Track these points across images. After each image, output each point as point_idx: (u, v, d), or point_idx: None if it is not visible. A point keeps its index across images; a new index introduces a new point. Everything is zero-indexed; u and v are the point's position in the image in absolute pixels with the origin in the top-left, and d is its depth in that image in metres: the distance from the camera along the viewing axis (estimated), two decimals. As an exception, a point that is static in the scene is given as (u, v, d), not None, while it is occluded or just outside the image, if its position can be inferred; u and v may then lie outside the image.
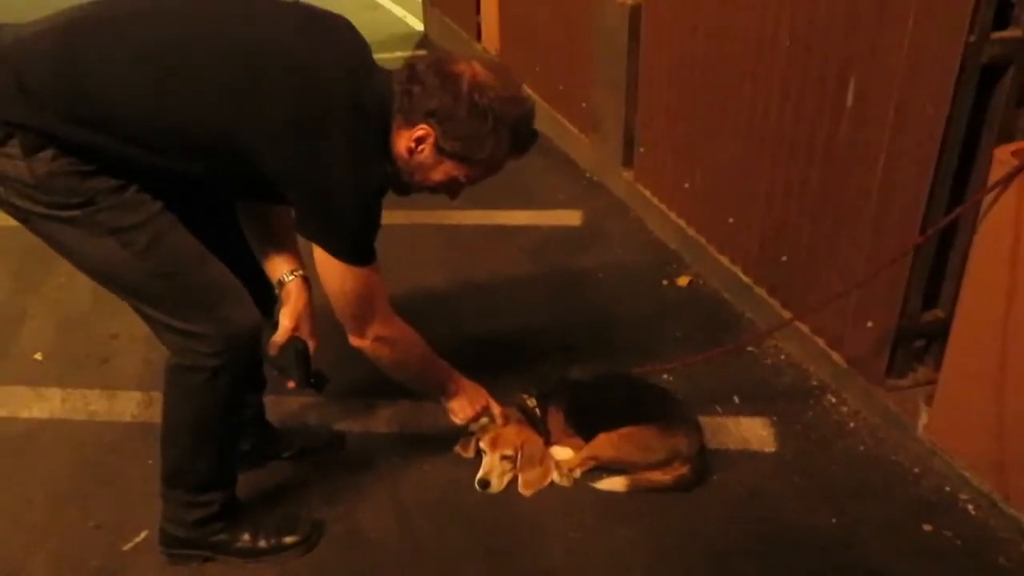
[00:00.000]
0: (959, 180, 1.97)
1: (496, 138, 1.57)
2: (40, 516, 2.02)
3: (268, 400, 2.12)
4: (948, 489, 1.99)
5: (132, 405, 2.39)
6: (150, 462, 2.08)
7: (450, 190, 1.69)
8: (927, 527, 1.89)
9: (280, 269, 1.80)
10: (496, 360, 2.34)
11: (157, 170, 1.53)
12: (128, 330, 2.70)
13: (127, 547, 1.92)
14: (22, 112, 1.43)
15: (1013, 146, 1.74)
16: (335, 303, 1.67)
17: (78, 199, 1.48)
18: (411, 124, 1.56)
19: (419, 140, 1.57)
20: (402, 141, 1.58)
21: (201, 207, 1.66)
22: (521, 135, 1.61)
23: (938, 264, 2.10)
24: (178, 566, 1.85)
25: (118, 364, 2.60)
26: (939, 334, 2.11)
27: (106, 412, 2.38)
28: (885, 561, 1.81)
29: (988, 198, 1.76)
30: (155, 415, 2.29)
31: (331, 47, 1.56)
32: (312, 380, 1.81)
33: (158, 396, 2.34)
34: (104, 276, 1.60)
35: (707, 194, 2.90)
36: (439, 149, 1.58)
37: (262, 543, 1.86)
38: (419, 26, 6.23)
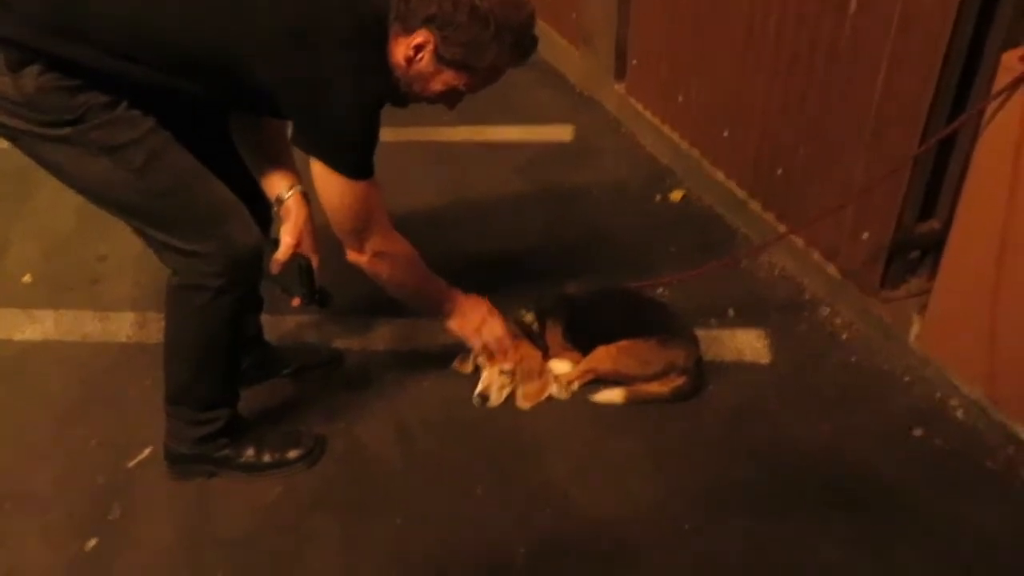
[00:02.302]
0: (962, 90, 1.94)
1: (498, 44, 1.52)
2: (42, 436, 2.03)
3: (266, 320, 2.11)
4: (938, 396, 2.03)
5: (126, 326, 2.38)
6: (148, 382, 2.09)
7: (449, 100, 1.64)
8: (917, 433, 1.94)
9: (278, 186, 1.77)
10: (492, 277, 2.33)
11: (147, 85, 1.47)
12: (116, 251, 2.67)
13: (131, 464, 1.94)
14: (4, 27, 1.38)
15: (1021, 51, 1.71)
16: (333, 218, 1.64)
17: (68, 116, 1.44)
18: (409, 31, 1.50)
19: (418, 48, 1.51)
20: (400, 49, 1.53)
21: (195, 125, 1.61)
22: (523, 41, 1.56)
23: (936, 173, 2.09)
24: (184, 481, 1.88)
25: (108, 285, 2.57)
26: (934, 245, 2.12)
27: (100, 333, 2.37)
28: (877, 466, 1.87)
29: (992, 106, 1.74)
30: (149, 335, 2.31)
31: None
32: (317, 296, 1.80)
33: (152, 316, 2.36)
34: (101, 197, 1.56)
35: (702, 107, 2.85)
36: (439, 57, 1.52)
37: (266, 457, 1.89)
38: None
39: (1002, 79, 1.70)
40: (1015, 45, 1.81)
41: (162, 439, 1.87)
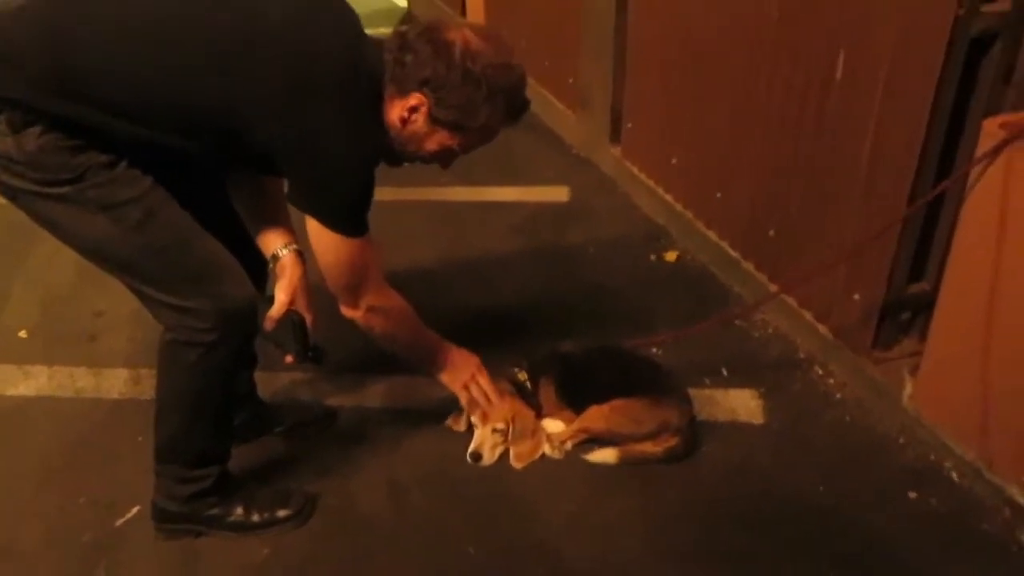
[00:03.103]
0: (946, 154, 1.99)
1: (491, 105, 1.56)
2: (30, 492, 2.01)
3: (260, 376, 2.11)
4: (933, 458, 2.02)
5: (119, 382, 2.38)
6: (140, 439, 2.08)
7: (443, 160, 1.68)
8: (912, 495, 1.93)
9: (274, 243, 1.79)
10: (487, 334, 2.34)
11: (147, 144, 1.51)
12: (113, 307, 2.68)
13: (119, 522, 1.91)
14: (7, 87, 1.41)
15: (1001, 118, 1.76)
16: (328, 274, 1.66)
17: (68, 175, 1.46)
18: (404, 93, 1.55)
19: (412, 109, 1.56)
20: (395, 111, 1.57)
21: (192, 182, 1.64)
22: (515, 102, 1.61)
23: (924, 237, 2.12)
24: (171, 541, 1.85)
25: (104, 341, 2.58)
26: (925, 306, 2.13)
27: (93, 389, 2.36)
28: (872, 529, 1.85)
29: (975, 170, 1.78)
30: (143, 392, 2.30)
31: (322, 17, 1.54)
32: (311, 353, 1.81)
33: (146, 373, 2.36)
34: (97, 253, 1.58)
35: (695, 169, 2.91)
36: (433, 118, 1.57)
37: (255, 517, 1.86)
38: (403, 2, 6.16)
39: (984, 144, 1.75)
40: (996, 112, 1.87)
41: (151, 497, 1.85)
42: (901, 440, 2.09)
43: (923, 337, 2.09)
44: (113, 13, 1.46)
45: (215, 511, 1.84)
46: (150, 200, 1.54)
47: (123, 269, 1.60)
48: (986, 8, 1.82)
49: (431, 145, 1.62)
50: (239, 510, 1.86)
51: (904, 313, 2.22)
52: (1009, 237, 1.73)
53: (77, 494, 2.00)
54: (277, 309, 1.74)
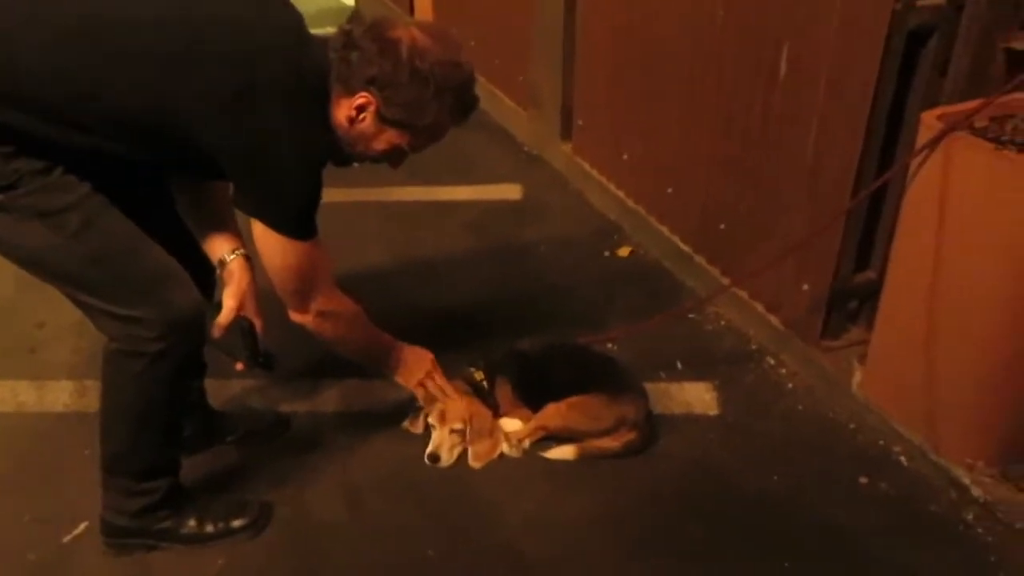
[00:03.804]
0: (888, 146, 2.03)
1: (439, 104, 1.55)
2: (-29, 512, 1.94)
3: (210, 384, 2.06)
4: (882, 443, 2.07)
5: (63, 395, 2.31)
6: (86, 452, 2.01)
7: (393, 159, 1.66)
8: (863, 480, 1.97)
9: (220, 249, 1.75)
10: (442, 334, 2.32)
11: (85, 150, 1.46)
12: (54, 318, 2.60)
13: (67, 539, 1.85)
14: None
15: (939, 111, 1.80)
16: (276, 278, 1.63)
17: (1, 182, 1.41)
18: (351, 92, 1.53)
19: (360, 108, 1.53)
20: (342, 110, 1.55)
21: (133, 188, 1.60)
22: (464, 99, 1.60)
23: (869, 227, 2.17)
24: (122, 556, 1.80)
25: (46, 353, 2.49)
26: (871, 295, 2.18)
27: (36, 403, 2.29)
28: (825, 513, 1.88)
29: (915, 162, 1.82)
30: (88, 404, 2.23)
31: (265, 18, 1.52)
32: (261, 359, 1.77)
33: (90, 384, 2.29)
34: (35, 263, 1.53)
35: (646, 165, 2.93)
36: (381, 117, 1.55)
37: (209, 528, 1.82)
38: (350, 1, 6.09)
39: (923, 136, 1.79)
40: (934, 105, 1.92)
41: (99, 512, 1.79)
42: (852, 426, 2.14)
43: (870, 326, 2.13)
44: (47, 13, 1.41)
45: (167, 524, 1.79)
46: (89, 207, 1.49)
47: (64, 279, 1.54)
48: (922, 2, 1.87)
49: (380, 144, 1.60)
50: (192, 522, 1.81)
51: (852, 302, 2.27)
52: (949, 225, 1.78)
53: (22, 511, 1.93)
54: (225, 316, 1.70)
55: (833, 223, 2.07)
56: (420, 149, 1.65)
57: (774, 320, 2.40)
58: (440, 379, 2.01)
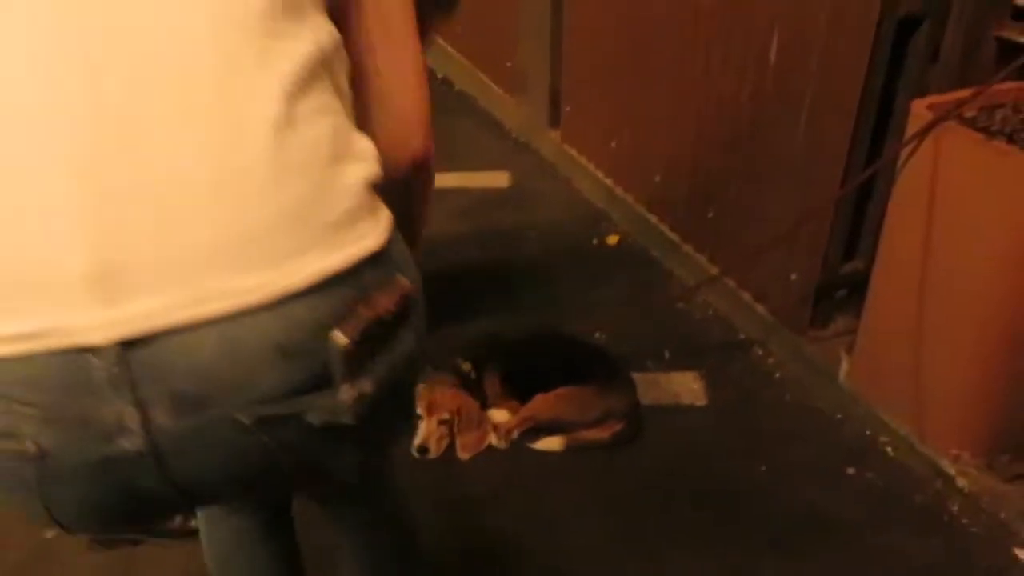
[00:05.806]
0: (877, 135, 2.02)
1: None
2: (-49, 507, 1.91)
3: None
4: (869, 433, 2.08)
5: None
6: (70, 445, 1.99)
7: None
8: (850, 470, 1.98)
9: None
10: (429, 321, 2.31)
11: None
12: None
13: (51, 534, 1.83)
14: None
15: (929, 100, 1.79)
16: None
17: None
18: None
19: None
20: None
21: None
22: None
23: (858, 216, 2.17)
24: (106, 551, 1.79)
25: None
26: (859, 285, 2.18)
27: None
28: (812, 504, 1.89)
29: (905, 151, 1.81)
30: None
31: None
32: None
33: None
34: None
35: (634, 153, 2.91)
36: None
37: (194, 522, 1.80)
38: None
39: (913, 126, 1.78)
40: (924, 94, 1.91)
41: (83, 506, 1.78)
42: (838, 416, 2.14)
43: (858, 316, 2.13)
44: None
45: (152, 518, 1.78)
46: None
47: None
48: (913, -10, 1.85)
49: None
50: (177, 517, 1.79)
51: (840, 291, 2.27)
52: (938, 215, 1.78)
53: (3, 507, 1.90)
54: None
55: (822, 212, 2.06)
56: None
57: (762, 310, 2.40)
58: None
